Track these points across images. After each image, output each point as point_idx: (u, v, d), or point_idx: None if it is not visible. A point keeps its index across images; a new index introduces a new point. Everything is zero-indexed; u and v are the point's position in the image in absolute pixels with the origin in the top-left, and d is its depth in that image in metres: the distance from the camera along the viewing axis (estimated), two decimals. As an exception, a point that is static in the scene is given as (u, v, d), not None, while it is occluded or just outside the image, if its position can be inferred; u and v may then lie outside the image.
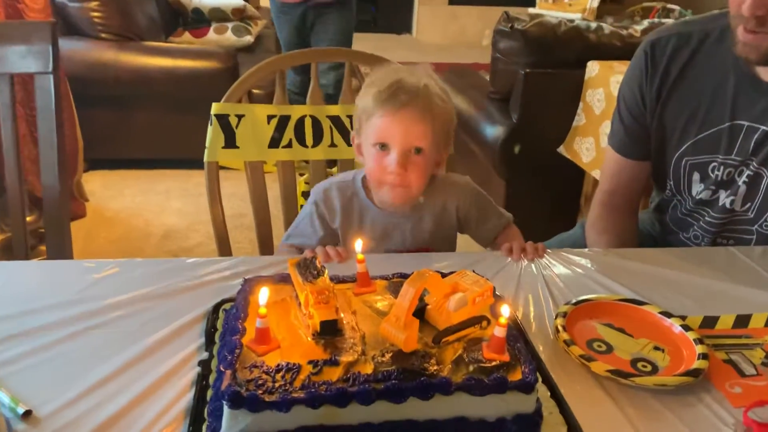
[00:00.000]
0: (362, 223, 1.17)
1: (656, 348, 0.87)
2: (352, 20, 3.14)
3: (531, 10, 3.77)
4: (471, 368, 0.69)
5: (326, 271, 0.79)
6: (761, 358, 0.86)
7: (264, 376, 0.67)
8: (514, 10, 2.34)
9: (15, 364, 0.78)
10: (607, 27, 2.23)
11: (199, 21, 3.64)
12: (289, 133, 1.37)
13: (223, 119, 1.32)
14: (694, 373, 0.81)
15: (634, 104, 1.27)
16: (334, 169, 1.44)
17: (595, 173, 2.14)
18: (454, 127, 1.14)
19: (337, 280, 0.87)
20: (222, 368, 0.69)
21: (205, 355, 0.81)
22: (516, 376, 0.69)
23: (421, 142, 1.06)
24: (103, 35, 3.04)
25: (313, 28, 3.09)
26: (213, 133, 1.32)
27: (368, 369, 0.69)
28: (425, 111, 1.05)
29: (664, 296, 1.00)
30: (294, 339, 0.74)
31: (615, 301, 0.96)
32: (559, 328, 0.87)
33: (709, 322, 0.94)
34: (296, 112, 1.37)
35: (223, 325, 0.83)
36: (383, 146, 1.07)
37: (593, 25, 2.24)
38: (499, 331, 0.70)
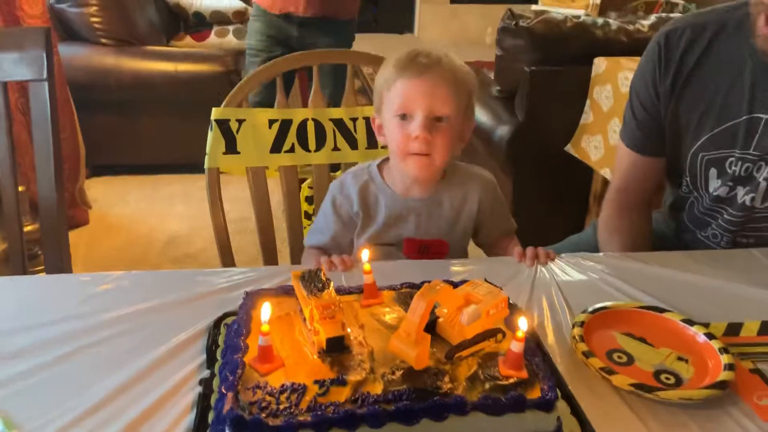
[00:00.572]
0: (378, 207, 1.15)
1: (679, 358, 0.83)
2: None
3: (534, 7, 3.73)
4: (487, 386, 0.66)
5: (332, 284, 0.76)
6: (789, 367, 0.82)
7: (268, 398, 0.63)
8: (517, 8, 2.30)
9: (8, 386, 0.75)
10: (613, 22, 2.18)
11: (200, 24, 3.62)
12: (291, 138, 1.33)
13: (223, 124, 1.28)
14: (721, 385, 0.77)
15: (648, 98, 1.23)
16: (338, 173, 1.40)
17: (604, 172, 2.09)
18: (474, 102, 1.13)
19: (343, 291, 0.83)
20: (224, 390, 0.66)
21: (206, 373, 0.78)
22: (535, 393, 0.65)
23: (445, 108, 1.05)
24: (103, 40, 3.02)
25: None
26: (213, 138, 1.28)
27: (378, 389, 0.65)
28: (448, 74, 1.04)
29: (685, 302, 0.96)
30: (299, 357, 0.70)
31: (634, 309, 0.91)
32: (577, 338, 0.83)
33: (734, 329, 0.90)
34: (298, 115, 1.33)
35: (225, 342, 0.80)
36: (405, 116, 1.06)
37: (600, 20, 2.19)
38: (516, 347, 0.66)
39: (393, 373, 0.67)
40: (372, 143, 1.37)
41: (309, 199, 1.48)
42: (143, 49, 3.10)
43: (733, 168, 1.18)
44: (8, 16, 2.18)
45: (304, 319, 0.75)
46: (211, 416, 0.70)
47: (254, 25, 2.67)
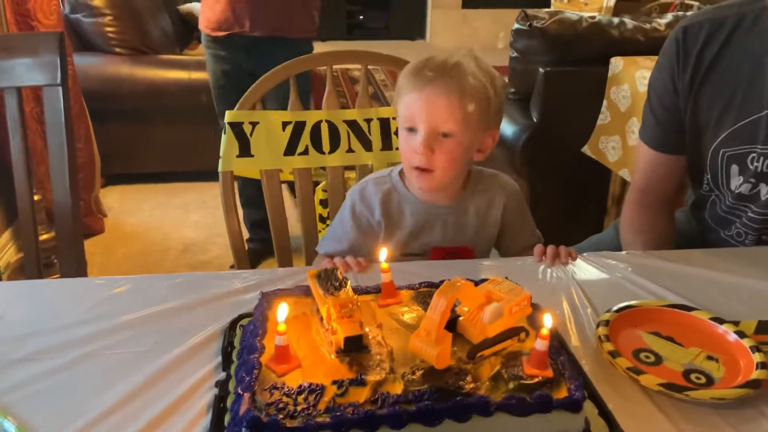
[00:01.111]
0: (402, 215, 1.12)
1: (709, 357, 0.80)
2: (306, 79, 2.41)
3: (547, 9, 3.71)
4: (511, 385, 0.63)
5: (349, 282, 0.74)
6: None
7: (285, 399, 0.62)
8: (529, 11, 2.27)
9: (22, 390, 0.74)
10: (629, 22, 2.15)
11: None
12: (305, 140, 1.32)
13: (237, 127, 1.27)
14: (753, 384, 0.74)
15: (666, 95, 1.21)
16: (352, 173, 1.39)
17: (623, 173, 2.06)
18: (499, 109, 1.08)
19: (360, 291, 0.81)
20: (240, 391, 0.64)
21: (222, 375, 0.76)
22: (561, 393, 0.63)
23: (448, 124, 1.01)
24: (117, 50, 3.04)
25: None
26: (227, 141, 1.28)
27: (398, 389, 0.63)
28: (452, 89, 0.99)
29: (712, 300, 0.93)
30: (316, 357, 0.68)
31: (661, 307, 0.89)
32: (602, 338, 0.81)
33: (764, 327, 0.87)
34: (312, 117, 1.32)
35: (241, 343, 0.78)
36: (412, 129, 1.04)
37: (615, 20, 2.17)
38: (541, 345, 0.64)
39: (413, 373, 0.65)
40: (386, 145, 1.35)
41: (323, 203, 1.46)
42: (157, 58, 3.12)
43: (755, 164, 1.15)
44: (24, 26, 2.21)
45: (321, 319, 0.73)
46: (227, 419, 0.68)
47: (207, 60, 2.35)
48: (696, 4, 3.77)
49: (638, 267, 1.03)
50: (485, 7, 6.50)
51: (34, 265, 1.22)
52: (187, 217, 2.93)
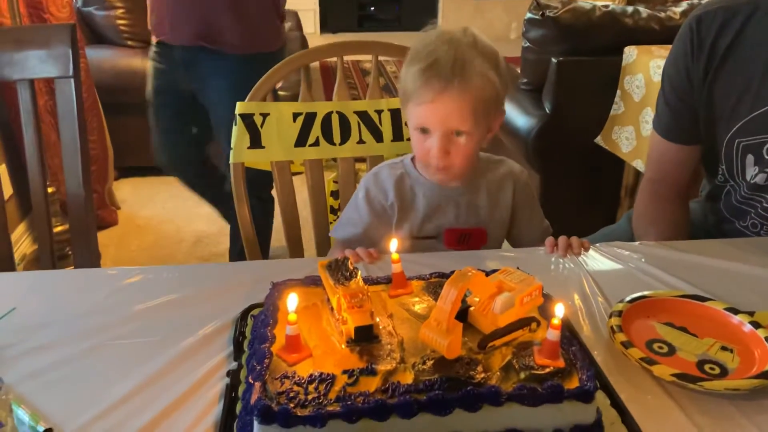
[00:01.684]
0: (415, 197, 1.14)
1: (724, 348, 0.79)
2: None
3: None
4: (522, 376, 0.63)
5: (359, 273, 0.74)
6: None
7: (296, 388, 0.62)
8: (542, 0, 2.25)
9: (36, 379, 0.75)
10: (644, 10, 2.12)
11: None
12: (316, 131, 1.32)
13: (247, 119, 1.27)
14: (769, 375, 0.73)
15: (680, 84, 1.20)
16: (363, 165, 1.38)
17: (636, 164, 2.04)
18: (505, 88, 1.08)
19: (370, 281, 0.81)
20: (251, 380, 0.64)
21: (233, 364, 0.77)
22: (573, 383, 0.62)
23: (460, 126, 1.03)
24: (129, 42, 3.05)
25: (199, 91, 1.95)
26: (238, 133, 1.28)
27: (408, 378, 0.63)
28: (462, 95, 1.00)
29: (727, 290, 0.92)
30: (327, 346, 0.68)
31: (674, 298, 0.88)
32: (615, 328, 0.80)
33: (780, 318, 0.86)
34: (322, 108, 1.32)
35: (252, 333, 0.78)
36: (424, 130, 1.05)
37: (629, 9, 2.14)
38: (553, 335, 0.64)
39: (424, 362, 0.65)
40: (398, 136, 1.35)
41: (334, 194, 1.46)
42: (169, 51, 3.12)
43: None
44: (36, 19, 2.22)
45: (332, 309, 0.73)
46: (238, 408, 0.69)
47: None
48: (712, -8, 3.71)
49: (651, 257, 1.02)
50: (497, -3, 6.46)
51: (49, 257, 1.23)
52: (199, 209, 2.94)
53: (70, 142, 1.21)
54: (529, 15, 2.21)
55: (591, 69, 2.16)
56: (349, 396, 0.60)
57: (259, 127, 1.28)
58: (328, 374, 0.63)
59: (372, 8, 6.72)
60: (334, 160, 1.37)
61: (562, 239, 1.05)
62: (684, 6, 2.20)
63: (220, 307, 0.87)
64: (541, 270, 0.98)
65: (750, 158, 1.16)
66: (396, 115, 1.34)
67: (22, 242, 2.50)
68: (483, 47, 1.04)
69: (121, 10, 3.00)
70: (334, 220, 1.45)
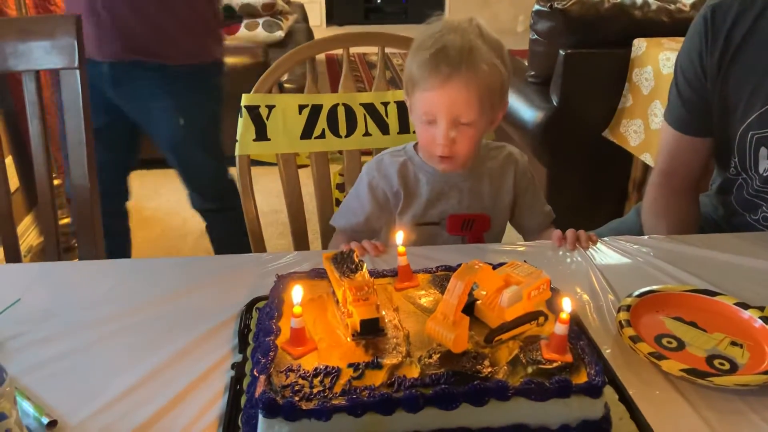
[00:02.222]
0: (418, 183, 1.14)
1: (733, 343, 0.78)
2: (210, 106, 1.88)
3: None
4: (529, 370, 0.62)
5: (365, 265, 0.73)
6: None
7: (301, 381, 0.61)
8: (549, -7, 2.23)
9: (40, 371, 0.74)
10: (653, 2, 2.10)
11: (230, 17, 3.62)
12: (322, 123, 1.31)
13: (253, 111, 1.27)
14: (780, 370, 0.72)
15: (694, 75, 1.18)
16: (369, 158, 1.37)
17: (644, 157, 2.02)
18: (509, 78, 1.08)
19: (376, 274, 0.81)
20: (256, 373, 0.64)
21: (238, 357, 0.76)
22: (581, 378, 0.61)
23: (469, 114, 1.03)
24: (134, 35, 3.03)
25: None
26: (243, 125, 1.27)
27: (414, 372, 0.62)
28: (469, 82, 1.01)
29: (737, 285, 0.91)
30: (332, 339, 0.68)
31: (683, 292, 0.87)
32: (623, 323, 0.79)
33: (791, 313, 0.85)
34: (328, 100, 1.31)
35: (257, 325, 0.78)
36: (430, 119, 1.05)
37: (639, 0, 2.12)
38: (560, 329, 0.63)
39: (430, 356, 0.64)
40: (404, 128, 1.33)
41: (340, 187, 1.45)
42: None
43: None
44: (42, 9, 2.22)
45: (337, 302, 0.72)
46: (243, 400, 0.68)
47: None
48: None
49: (660, 251, 1.01)
50: (504, -10, 6.41)
51: (54, 249, 1.23)
52: (205, 202, 2.94)
53: (75, 132, 1.21)
54: (537, 7, 2.19)
55: (599, 61, 2.14)
56: (355, 390, 0.60)
57: (264, 119, 1.28)
58: (334, 367, 0.62)
59: (379, 0, 6.68)
60: (340, 152, 1.37)
61: (569, 233, 1.04)
62: (694, -2, 2.18)
63: (225, 300, 0.87)
64: (548, 264, 0.97)
65: (763, 151, 1.15)
66: (402, 107, 1.33)
67: (28, 234, 2.51)
68: (488, 37, 1.04)
69: (127, 2, 2.99)
70: (340, 213, 1.44)
